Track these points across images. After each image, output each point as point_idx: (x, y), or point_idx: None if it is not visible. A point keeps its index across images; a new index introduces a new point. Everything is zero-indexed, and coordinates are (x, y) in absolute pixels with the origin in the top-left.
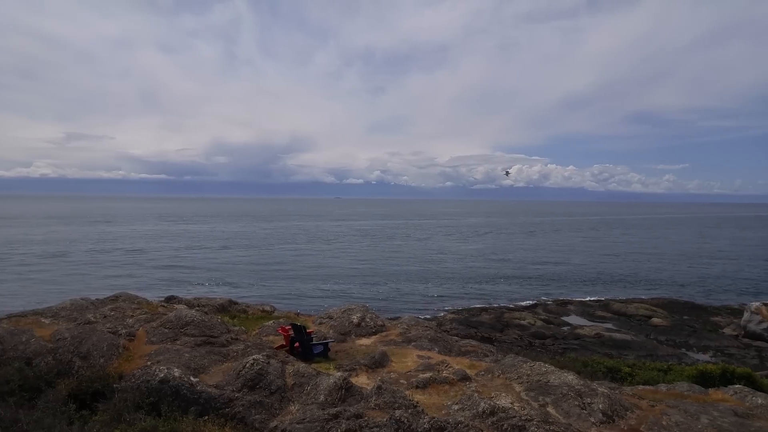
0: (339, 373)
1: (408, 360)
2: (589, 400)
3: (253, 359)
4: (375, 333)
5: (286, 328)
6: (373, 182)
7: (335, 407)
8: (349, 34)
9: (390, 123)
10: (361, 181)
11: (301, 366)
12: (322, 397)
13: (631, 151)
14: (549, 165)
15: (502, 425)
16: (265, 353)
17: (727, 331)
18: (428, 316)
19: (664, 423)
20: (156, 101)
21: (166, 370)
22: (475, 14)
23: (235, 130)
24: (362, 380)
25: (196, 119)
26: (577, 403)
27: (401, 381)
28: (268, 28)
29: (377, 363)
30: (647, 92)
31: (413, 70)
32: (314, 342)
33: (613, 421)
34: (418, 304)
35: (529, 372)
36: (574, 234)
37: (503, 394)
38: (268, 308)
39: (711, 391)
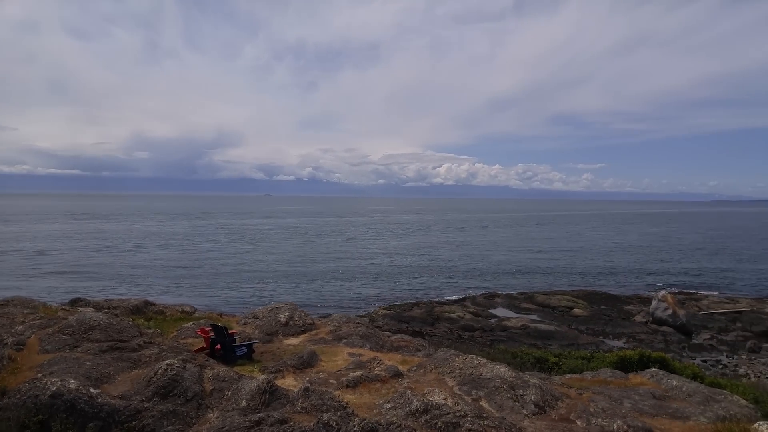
0: (263, 376)
1: (338, 358)
2: (521, 392)
3: (167, 364)
4: (304, 332)
5: (206, 329)
6: (304, 179)
7: (258, 413)
8: (279, 28)
9: (322, 119)
10: (292, 177)
11: (222, 369)
12: (244, 403)
13: (553, 151)
14: (477, 164)
15: (436, 423)
16: (181, 357)
17: (638, 318)
18: (361, 313)
19: (591, 410)
20: (67, 90)
21: (59, 383)
22: (406, 13)
23: (157, 124)
24: (289, 382)
25: (115, 111)
26: (509, 395)
27: (331, 381)
28: (193, 18)
29: (305, 363)
30: (568, 95)
31: (346, 67)
32: (237, 343)
33: (545, 411)
34: (350, 302)
35: (461, 366)
36: (500, 230)
37: (436, 390)
38: (188, 309)
39: (631, 375)
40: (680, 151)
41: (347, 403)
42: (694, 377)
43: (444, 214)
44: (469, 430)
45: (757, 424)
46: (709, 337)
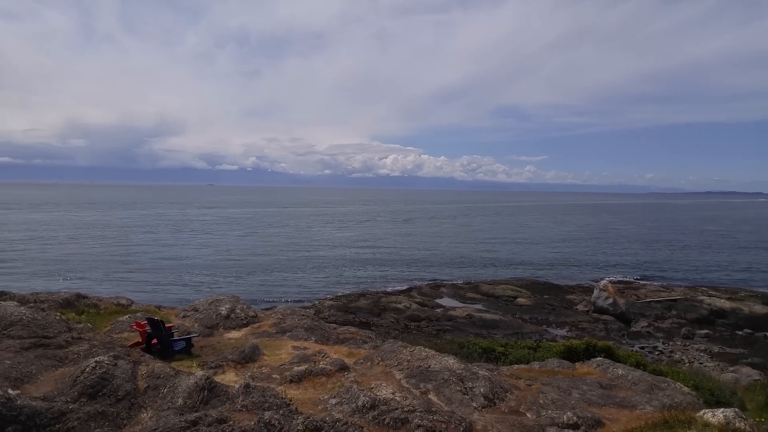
0: (201, 372)
1: (282, 352)
2: (470, 384)
3: (96, 361)
4: (246, 325)
5: (142, 323)
6: (248, 169)
7: (195, 411)
8: (221, 15)
9: (267, 108)
10: (235, 167)
11: (158, 365)
12: (180, 401)
13: (496, 143)
14: (422, 155)
15: (384, 419)
16: (113, 353)
17: (580, 307)
18: (306, 305)
19: (541, 401)
20: None
21: None
22: (352, 2)
23: (94, 111)
24: (230, 377)
25: (47, 97)
26: (458, 388)
27: (274, 375)
28: (129, 2)
29: (247, 357)
30: (512, 88)
31: (290, 55)
32: (175, 338)
33: (495, 404)
34: (295, 293)
35: (409, 358)
36: (446, 221)
37: (384, 384)
38: (123, 302)
39: (578, 365)
40: (619, 144)
41: (291, 400)
42: (638, 365)
43: (390, 205)
44: (419, 425)
45: (702, 412)
46: (646, 324)
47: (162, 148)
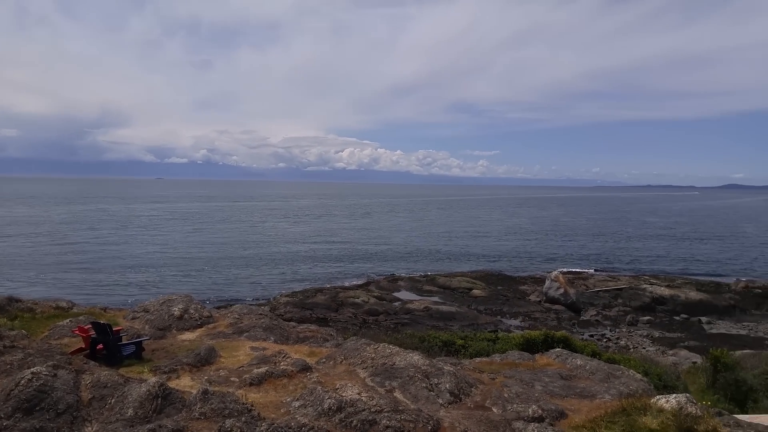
0: (154, 378)
1: (240, 353)
2: (436, 380)
3: (32, 373)
4: (201, 326)
5: (86, 327)
6: (199, 162)
7: (148, 422)
8: (168, 2)
9: (218, 100)
10: (185, 160)
11: (104, 373)
12: (131, 411)
13: (451, 138)
14: (379, 149)
15: (351, 421)
16: (52, 362)
17: (533, 297)
18: (262, 302)
19: (506, 395)
20: None
21: None
22: None
23: (27, 99)
24: (185, 383)
25: None
26: (424, 384)
27: (232, 379)
28: None
29: (203, 360)
30: (465, 84)
31: (243, 46)
32: (123, 342)
33: (461, 399)
34: (249, 291)
35: (373, 355)
36: (402, 215)
37: (349, 384)
38: (64, 304)
39: (537, 356)
40: (567, 139)
41: (252, 405)
42: (594, 355)
43: (346, 198)
44: (387, 426)
45: (656, 399)
46: (595, 313)
47: (106, 140)
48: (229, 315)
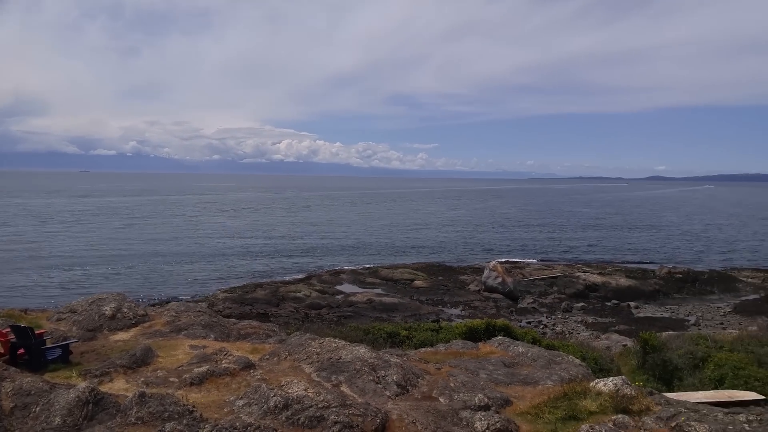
0: (84, 383)
1: (179, 352)
2: (383, 373)
3: None
4: (135, 325)
5: (4, 331)
6: (128, 154)
7: (79, 430)
8: None
9: (147, 89)
10: (113, 152)
11: (27, 380)
12: (58, 420)
13: (390, 131)
14: (318, 141)
15: (299, 419)
16: None
17: (472, 287)
18: (199, 298)
19: (452, 385)
20: None
21: None
22: None
23: None
24: (119, 386)
25: None
26: (371, 377)
27: (171, 379)
28: None
29: (139, 361)
30: (404, 76)
31: (172, 33)
32: (48, 345)
33: (408, 391)
34: (187, 288)
35: (318, 350)
36: (343, 207)
37: (294, 381)
38: None
39: (480, 345)
40: (503, 132)
41: (194, 405)
42: (534, 342)
43: (285, 191)
44: (335, 422)
45: (594, 382)
46: (532, 301)
47: (21, 130)
48: (165, 313)
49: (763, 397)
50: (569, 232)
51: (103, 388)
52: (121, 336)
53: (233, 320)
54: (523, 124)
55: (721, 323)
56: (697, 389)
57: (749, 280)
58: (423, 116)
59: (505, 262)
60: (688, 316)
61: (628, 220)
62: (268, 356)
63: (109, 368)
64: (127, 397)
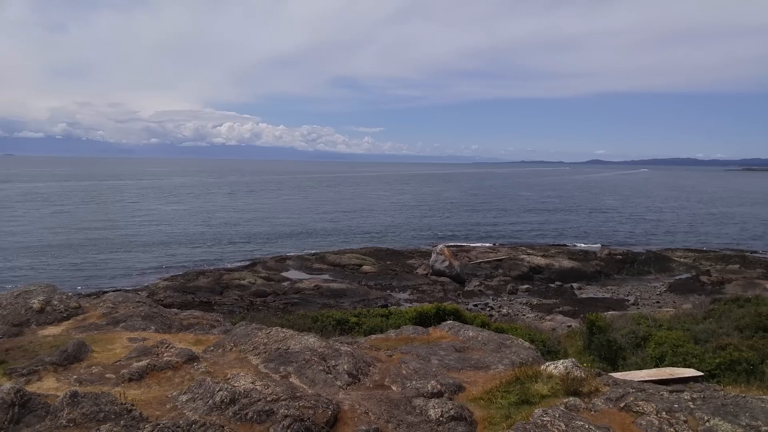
0: (9, 383)
1: (116, 346)
2: (333, 362)
3: None
4: (67, 318)
5: None
6: (57, 137)
7: None
8: None
9: (77, 68)
10: (40, 134)
11: None
12: None
13: (336, 114)
14: (260, 124)
15: (247, 413)
16: None
17: (420, 271)
18: (138, 287)
19: (404, 372)
20: None
21: None
22: None
23: None
24: (49, 385)
25: None
26: (321, 367)
27: (108, 375)
28: None
29: (71, 357)
30: (349, 58)
31: (103, 7)
32: None
33: (359, 380)
34: (125, 277)
35: (266, 340)
36: (288, 192)
37: (241, 373)
38: None
39: (431, 329)
40: (448, 117)
41: (133, 403)
42: (483, 325)
43: (227, 175)
44: (285, 416)
45: (545, 366)
46: (478, 283)
47: None
48: (101, 304)
49: (701, 374)
50: (513, 216)
51: (31, 388)
52: (51, 330)
53: (175, 310)
54: (468, 109)
55: (658, 302)
56: (640, 368)
57: (682, 260)
58: (368, 99)
59: (452, 246)
60: (628, 295)
61: (569, 203)
62: (212, 348)
63: (37, 366)
64: (58, 397)
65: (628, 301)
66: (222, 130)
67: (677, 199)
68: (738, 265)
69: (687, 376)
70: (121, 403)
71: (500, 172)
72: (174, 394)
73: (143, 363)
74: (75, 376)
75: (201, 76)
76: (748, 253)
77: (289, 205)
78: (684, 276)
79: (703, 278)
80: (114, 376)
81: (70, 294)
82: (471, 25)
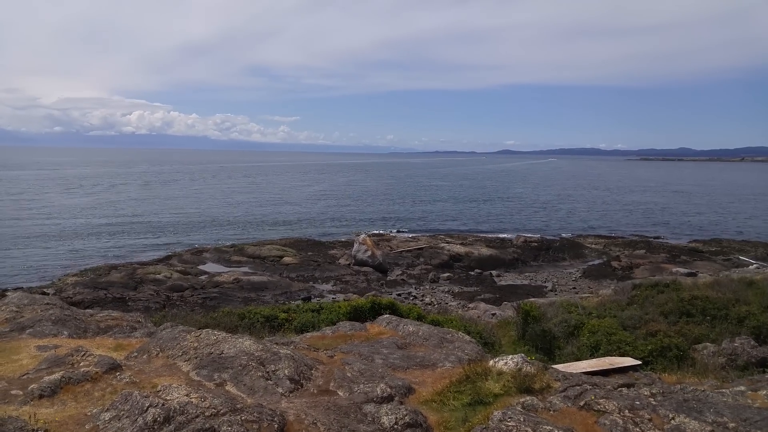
0: None
1: (23, 356)
2: (272, 367)
3: None
4: None
5: None
6: None
7: None
8: None
9: None
10: None
11: None
12: None
13: (250, 102)
14: (172, 112)
15: None
16: None
17: (342, 261)
18: (44, 284)
19: (349, 375)
20: None
21: None
22: None
23: None
24: None
25: None
26: (260, 373)
27: (14, 392)
28: None
29: None
30: (262, 47)
31: None
32: None
33: (302, 385)
34: (28, 274)
35: (196, 344)
36: (201, 182)
37: (173, 384)
38: None
39: (368, 325)
40: (363, 107)
41: (45, 425)
42: (419, 318)
43: (137, 165)
44: None
45: (493, 361)
46: (400, 273)
47: None
48: (3, 308)
49: (639, 362)
50: (430, 205)
51: None
52: None
53: (89, 312)
54: (383, 99)
55: (574, 288)
56: (577, 357)
57: (593, 246)
58: (283, 89)
59: (374, 235)
60: (546, 282)
61: (484, 193)
62: (136, 353)
63: None
64: None
65: (546, 287)
66: (132, 119)
67: (584, 187)
68: (644, 251)
69: (627, 365)
70: (30, 426)
71: (415, 162)
72: (95, 411)
73: (56, 375)
74: None
75: (108, 63)
76: (652, 239)
77: (204, 196)
78: (596, 262)
79: (614, 264)
80: (21, 393)
81: None
82: (385, 16)
